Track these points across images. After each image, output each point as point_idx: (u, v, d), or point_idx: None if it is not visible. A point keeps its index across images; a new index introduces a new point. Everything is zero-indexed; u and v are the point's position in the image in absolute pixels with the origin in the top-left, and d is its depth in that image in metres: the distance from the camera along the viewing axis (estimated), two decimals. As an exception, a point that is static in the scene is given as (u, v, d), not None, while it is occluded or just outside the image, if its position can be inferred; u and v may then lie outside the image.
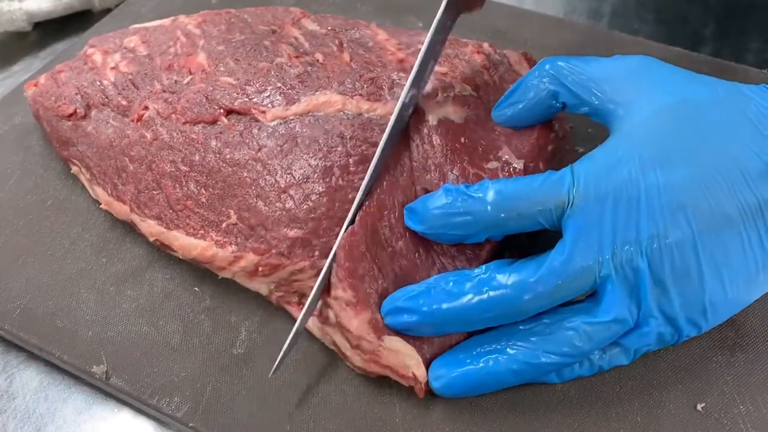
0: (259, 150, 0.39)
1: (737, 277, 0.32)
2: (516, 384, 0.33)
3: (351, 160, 0.37)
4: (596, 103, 0.35)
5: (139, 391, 0.35)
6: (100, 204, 0.42)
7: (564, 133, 0.42)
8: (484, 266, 0.33)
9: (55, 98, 0.45)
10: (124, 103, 0.43)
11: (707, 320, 0.33)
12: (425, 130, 0.39)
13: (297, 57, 0.44)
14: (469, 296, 0.32)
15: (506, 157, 0.38)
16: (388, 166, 0.37)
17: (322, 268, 0.35)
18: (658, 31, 0.59)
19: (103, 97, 0.44)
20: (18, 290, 0.39)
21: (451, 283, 0.33)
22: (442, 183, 0.37)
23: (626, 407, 0.34)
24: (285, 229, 0.36)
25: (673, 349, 0.35)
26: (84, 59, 0.47)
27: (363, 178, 0.37)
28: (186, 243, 0.38)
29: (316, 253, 0.36)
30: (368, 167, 0.37)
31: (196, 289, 0.39)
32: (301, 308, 0.37)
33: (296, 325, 0.34)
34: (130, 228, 0.42)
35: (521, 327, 0.33)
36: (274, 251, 0.36)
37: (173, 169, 0.40)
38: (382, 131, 0.38)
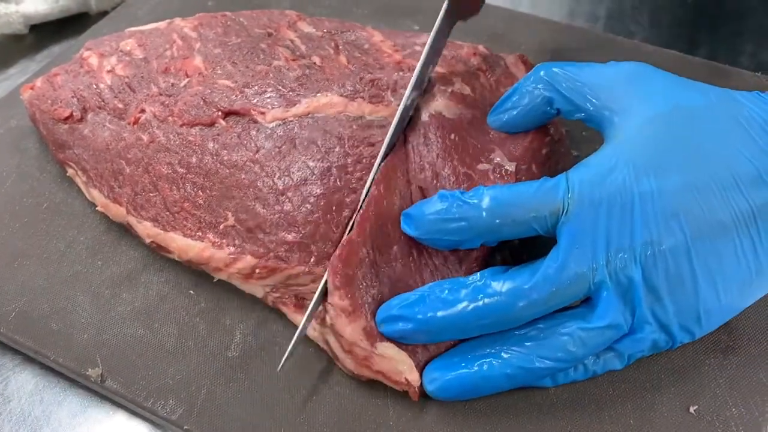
0: (257, 151, 0.39)
1: (731, 283, 0.32)
2: (510, 388, 0.34)
3: (349, 161, 0.37)
4: (591, 109, 0.35)
5: (134, 394, 0.35)
6: (96, 206, 0.42)
7: (560, 136, 0.42)
8: (478, 273, 0.33)
9: (52, 101, 0.45)
10: (120, 106, 0.43)
11: (701, 327, 0.33)
12: (420, 128, 0.39)
13: (294, 60, 0.44)
14: (464, 303, 0.32)
15: (498, 159, 0.38)
16: (387, 167, 0.37)
17: (318, 274, 0.35)
18: (654, 35, 0.60)
19: (100, 100, 0.44)
20: (13, 293, 0.39)
21: (446, 291, 0.33)
22: (436, 182, 0.37)
23: (619, 410, 0.34)
24: (283, 233, 0.36)
25: (666, 352, 0.35)
26: (80, 62, 0.47)
27: (361, 179, 0.37)
28: (183, 244, 0.38)
29: (313, 258, 0.36)
30: (366, 168, 0.37)
31: (191, 292, 0.39)
32: (297, 309, 0.37)
33: (298, 330, 0.35)
34: (125, 231, 0.42)
35: (516, 332, 0.33)
36: (271, 254, 0.36)
37: (170, 171, 0.40)
38: (381, 131, 0.38)
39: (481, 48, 0.46)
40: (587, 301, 0.33)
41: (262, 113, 0.40)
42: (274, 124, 0.40)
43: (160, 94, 0.43)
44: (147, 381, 0.36)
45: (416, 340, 0.34)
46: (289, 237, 0.36)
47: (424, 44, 0.46)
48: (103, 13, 0.59)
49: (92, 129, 0.43)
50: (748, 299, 0.34)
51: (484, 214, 0.33)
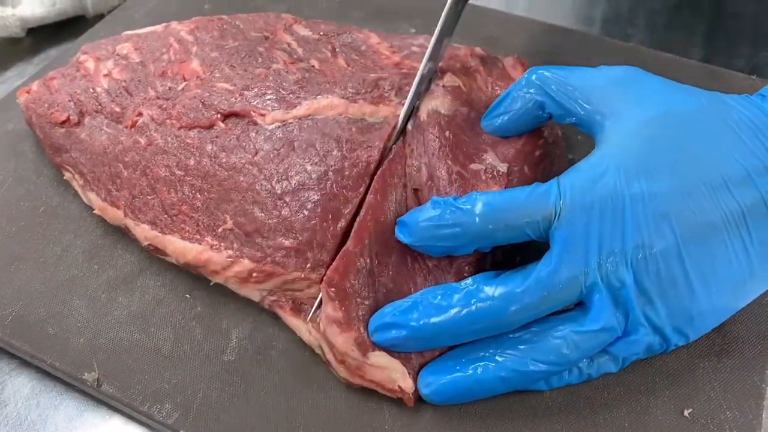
0: (256, 154, 0.39)
1: (723, 285, 0.33)
2: (504, 391, 0.34)
3: (346, 164, 0.37)
4: (582, 113, 0.36)
5: (130, 398, 0.35)
6: (92, 210, 0.42)
7: (555, 138, 0.43)
8: (471, 278, 0.34)
9: (48, 105, 0.45)
10: (117, 109, 0.43)
11: (694, 329, 0.33)
12: (419, 126, 0.39)
13: (293, 63, 0.44)
14: (457, 309, 0.32)
15: (491, 160, 0.39)
16: (384, 174, 0.37)
17: (314, 280, 0.35)
18: (650, 37, 0.60)
19: (96, 104, 0.44)
20: (10, 297, 0.39)
21: (439, 297, 0.33)
22: (431, 182, 0.37)
23: (614, 413, 0.34)
24: (281, 239, 0.36)
25: (661, 355, 0.35)
26: (77, 66, 0.47)
27: (357, 185, 0.37)
28: (181, 247, 0.38)
29: (309, 265, 0.36)
30: (362, 173, 0.37)
31: (188, 296, 0.39)
32: (293, 313, 0.37)
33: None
34: (122, 235, 0.42)
35: (510, 335, 0.33)
36: (269, 259, 0.36)
37: (168, 174, 0.40)
38: (379, 133, 0.39)
39: (478, 49, 0.46)
40: (580, 305, 0.33)
41: (262, 115, 0.40)
42: (273, 126, 0.40)
43: (158, 98, 0.43)
44: (143, 385, 0.36)
45: (410, 348, 0.34)
46: (287, 243, 0.36)
47: (421, 45, 0.46)
48: (100, 16, 0.59)
49: (89, 133, 0.43)
50: (741, 301, 0.34)
51: (477, 219, 0.33)
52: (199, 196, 0.39)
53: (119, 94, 0.44)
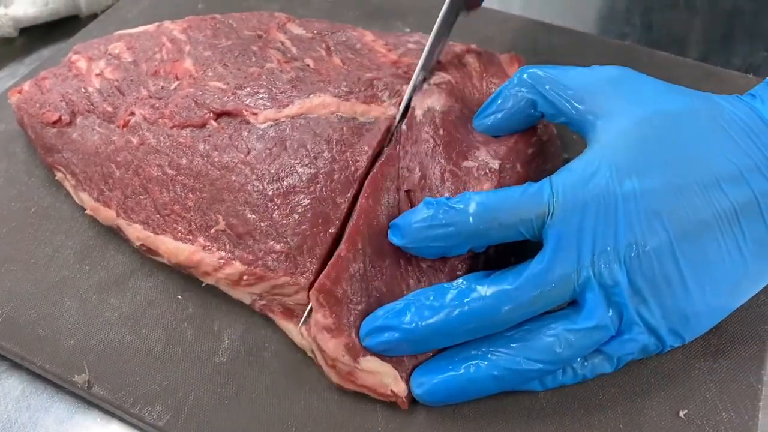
0: (248, 153, 0.39)
1: (718, 284, 0.32)
2: (498, 391, 0.33)
3: (336, 167, 0.37)
4: (574, 113, 0.36)
5: (121, 400, 0.35)
6: (84, 210, 0.42)
7: (548, 136, 0.42)
8: (461, 278, 0.33)
9: (40, 105, 0.44)
10: (109, 109, 0.43)
11: (689, 329, 0.33)
12: (413, 124, 0.39)
13: (287, 62, 0.44)
14: (450, 309, 0.32)
15: (483, 157, 0.38)
16: (376, 177, 0.36)
17: (303, 285, 0.35)
18: (645, 36, 0.59)
19: (88, 103, 0.44)
20: (0, 299, 0.39)
21: (431, 297, 0.33)
22: (424, 181, 0.37)
23: (608, 414, 0.34)
24: (272, 242, 0.36)
25: (656, 355, 0.35)
26: (68, 66, 0.46)
27: (346, 189, 0.36)
28: (173, 247, 0.38)
29: (298, 269, 0.35)
30: (351, 177, 0.37)
31: (179, 297, 0.39)
32: (285, 317, 0.37)
33: None
34: (113, 235, 0.42)
35: (502, 334, 0.33)
36: (260, 262, 0.36)
37: (160, 173, 0.40)
38: (370, 134, 0.38)
39: (474, 46, 0.46)
40: (573, 304, 0.33)
41: (255, 114, 0.40)
42: (266, 125, 0.39)
43: (150, 97, 0.43)
44: (134, 387, 0.35)
45: (403, 351, 0.34)
46: (278, 246, 0.36)
47: (417, 43, 0.46)
48: (93, 16, 0.59)
49: (81, 132, 0.43)
50: (736, 300, 0.34)
51: (470, 219, 0.33)
52: (191, 195, 0.38)
53: (111, 94, 0.44)
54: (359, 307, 0.34)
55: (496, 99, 0.39)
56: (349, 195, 0.36)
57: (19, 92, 0.46)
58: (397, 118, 0.39)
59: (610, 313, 0.32)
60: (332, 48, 0.45)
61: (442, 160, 0.38)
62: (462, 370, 0.33)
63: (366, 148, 0.38)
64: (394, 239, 0.35)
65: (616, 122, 0.34)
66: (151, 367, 0.36)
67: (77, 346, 0.37)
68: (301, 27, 0.48)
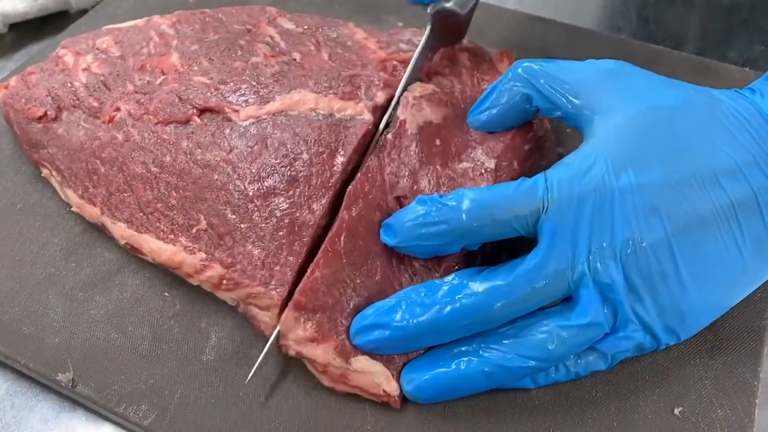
0: (230, 151, 0.38)
1: (715, 282, 0.32)
2: (489, 388, 0.33)
3: (313, 170, 0.36)
4: (569, 107, 0.35)
5: (105, 399, 0.34)
6: (71, 207, 0.41)
7: (544, 131, 0.42)
8: (453, 274, 0.33)
9: (26, 100, 0.44)
10: (95, 104, 0.43)
11: (685, 327, 0.32)
12: (404, 140, 0.38)
13: (273, 56, 0.43)
14: (441, 305, 0.32)
15: (478, 157, 0.38)
16: (355, 189, 0.35)
17: (274, 302, 0.34)
18: (641, 30, 0.59)
19: (74, 98, 0.43)
20: (-16, 297, 0.38)
21: (423, 294, 0.32)
22: (416, 187, 0.37)
23: (602, 412, 0.33)
24: (250, 246, 0.35)
25: (651, 353, 0.34)
26: (55, 61, 0.46)
27: (321, 195, 0.36)
28: (155, 247, 0.37)
29: (273, 281, 0.35)
30: (327, 183, 0.36)
31: (167, 294, 0.38)
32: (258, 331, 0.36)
33: (261, 355, 0.34)
34: (100, 232, 0.41)
35: (495, 330, 0.32)
36: (238, 266, 0.35)
37: (144, 171, 0.39)
38: (348, 131, 0.38)
39: (465, 41, 0.45)
40: (568, 300, 0.32)
41: (236, 111, 0.39)
42: (247, 122, 0.39)
43: (136, 92, 0.42)
44: (119, 386, 0.35)
45: (393, 349, 0.33)
46: (256, 252, 0.35)
47: (408, 41, 0.45)
48: (83, 12, 0.58)
49: (67, 128, 0.42)
50: (733, 298, 0.33)
51: (463, 216, 0.32)
52: (174, 194, 0.38)
53: (97, 89, 0.43)
54: (346, 311, 0.33)
55: (491, 94, 0.38)
56: (324, 202, 0.36)
57: (6, 87, 0.45)
58: (381, 127, 0.38)
59: (605, 310, 0.31)
60: (321, 43, 0.45)
61: (438, 167, 0.37)
62: (453, 367, 0.32)
63: (342, 151, 0.37)
64: (387, 239, 0.34)
65: (613, 116, 0.33)
66: (136, 366, 0.35)
67: (62, 344, 0.36)
68: (291, 22, 0.47)
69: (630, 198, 0.31)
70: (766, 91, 0.34)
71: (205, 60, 0.43)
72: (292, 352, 0.33)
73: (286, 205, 0.36)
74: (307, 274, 0.33)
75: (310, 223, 0.35)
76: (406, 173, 0.37)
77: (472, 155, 0.38)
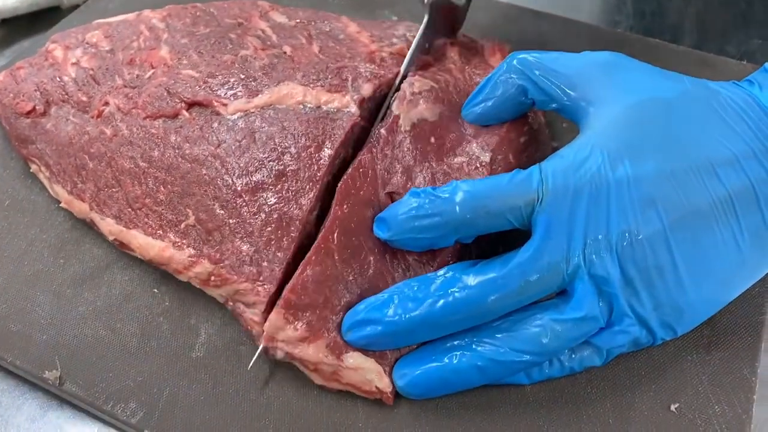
0: (218, 146, 0.37)
1: (712, 276, 0.31)
2: (482, 383, 0.32)
3: (301, 165, 0.36)
4: (565, 99, 0.34)
5: (93, 397, 0.34)
6: (59, 203, 0.41)
7: (539, 124, 0.41)
8: (446, 268, 0.32)
9: (14, 95, 0.43)
10: (84, 99, 0.42)
11: (682, 323, 0.32)
12: (398, 137, 0.37)
13: (263, 49, 0.43)
14: (434, 299, 0.31)
15: (473, 150, 0.37)
16: (346, 184, 0.35)
17: (261, 298, 0.34)
18: (638, 24, 0.58)
19: (63, 93, 0.43)
20: (-29, 293, 0.38)
21: (415, 288, 0.32)
22: (410, 183, 0.36)
23: (598, 409, 0.33)
24: (239, 242, 0.35)
25: (647, 348, 0.34)
26: (45, 55, 0.45)
27: (310, 190, 0.35)
28: (144, 243, 0.37)
29: (261, 277, 0.34)
30: (313, 177, 0.35)
31: (156, 290, 0.38)
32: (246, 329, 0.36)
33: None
34: (89, 228, 0.41)
35: (488, 324, 0.32)
36: (227, 262, 0.35)
37: (132, 166, 0.39)
38: (334, 123, 0.37)
39: (459, 35, 0.45)
40: (562, 293, 0.32)
41: (225, 104, 0.38)
42: (236, 116, 0.38)
43: (125, 86, 0.42)
44: (107, 383, 0.34)
45: (386, 345, 0.32)
46: (244, 247, 0.35)
47: (402, 36, 0.45)
48: (74, 7, 0.58)
49: (55, 123, 0.42)
50: (731, 293, 0.33)
51: (457, 208, 0.32)
52: (162, 189, 0.37)
53: (86, 83, 0.43)
54: (338, 308, 0.33)
55: (486, 86, 0.37)
56: (311, 196, 0.35)
57: (-6, 82, 0.45)
58: (376, 122, 0.38)
59: (600, 304, 0.31)
60: (313, 36, 0.44)
61: (433, 163, 0.37)
62: (445, 361, 0.32)
63: (328, 144, 0.36)
64: (380, 233, 0.34)
65: (609, 108, 0.33)
66: (125, 363, 0.35)
67: (50, 342, 0.36)
68: (284, 15, 0.47)
69: (626, 190, 0.30)
70: (764, 82, 0.34)
71: (194, 53, 0.42)
72: (280, 355, 0.33)
73: (275, 200, 0.35)
74: (298, 271, 0.33)
75: (299, 218, 0.35)
76: (399, 169, 0.36)
77: (467, 149, 0.37)
